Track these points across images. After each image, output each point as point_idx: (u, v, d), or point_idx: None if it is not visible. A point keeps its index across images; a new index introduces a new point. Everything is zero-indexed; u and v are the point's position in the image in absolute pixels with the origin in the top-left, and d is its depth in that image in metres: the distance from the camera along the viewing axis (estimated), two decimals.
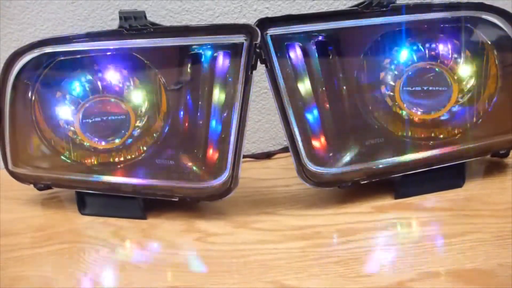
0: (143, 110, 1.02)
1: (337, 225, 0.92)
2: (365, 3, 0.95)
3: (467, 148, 0.99)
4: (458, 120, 1.01)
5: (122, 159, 1.03)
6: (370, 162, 0.98)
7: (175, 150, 1.01)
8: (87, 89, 1.01)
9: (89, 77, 1.01)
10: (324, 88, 0.99)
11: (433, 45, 0.99)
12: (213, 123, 0.98)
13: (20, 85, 0.98)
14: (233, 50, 0.94)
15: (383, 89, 1.02)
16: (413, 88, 1.00)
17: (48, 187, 1.04)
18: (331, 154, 0.99)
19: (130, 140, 1.03)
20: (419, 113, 1.01)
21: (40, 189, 1.04)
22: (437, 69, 0.99)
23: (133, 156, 1.03)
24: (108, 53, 0.99)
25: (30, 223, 1.01)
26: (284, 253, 0.86)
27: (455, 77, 0.99)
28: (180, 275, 0.84)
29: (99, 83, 1.01)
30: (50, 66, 0.98)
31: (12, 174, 1.03)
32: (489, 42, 0.97)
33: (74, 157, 1.03)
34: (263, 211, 0.99)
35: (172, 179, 0.99)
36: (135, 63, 0.99)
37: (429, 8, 0.95)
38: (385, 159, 0.98)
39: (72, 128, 1.02)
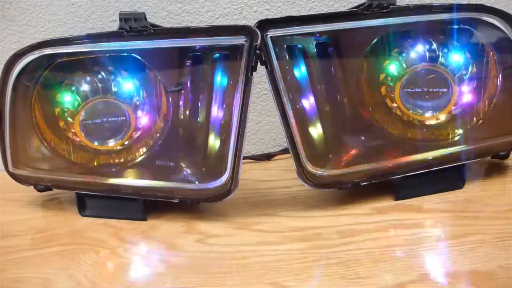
0: (143, 111, 1.02)
1: (337, 226, 0.92)
2: (365, 5, 0.96)
3: (467, 150, 0.99)
4: (458, 121, 1.01)
5: (122, 160, 1.03)
6: (370, 164, 0.98)
7: (175, 151, 1.01)
8: (87, 90, 1.01)
9: (89, 78, 1.01)
10: (324, 90, 0.99)
11: (433, 47, 0.99)
12: (213, 124, 0.98)
13: (20, 86, 0.98)
14: (233, 52, 0.94)
15: (383, 90, 1.02)
16: (413, 90, 1.00)
17: (48, 188, 1.04)
18: (331, 156, 0.99)
19: (130, 141, 1.03)
20: (419, 114, 1.02)
21: (40, 190, 1.04)
22: (437, 71, 0.99)
23: (133, 157, 1.03)
24: (108, 55, 0.99)
25: (30, 224, 1.01)
26: (284, 255, 0.86)
27: (455, 79, 0.99)
28: (180, 277, 0.84)
29: (99, 85, 1.01)
30: (50, 67, 0.98)
31: (12, 175, 1.02)
32: (489, 44, 0.97)
33: (74, 159, 1.03)
34: (263, 213, 0.99)
35: (172, 181, 0.99)
36: (135, 64, 0.99)
37: (429, 9, 0.95)
38: (385, 160, 0.98)
39: (72, 130, 1.02)
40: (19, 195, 1.09)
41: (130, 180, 1.01)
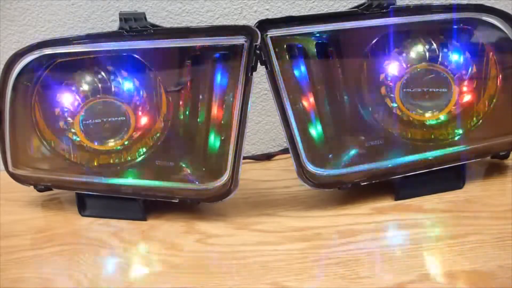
0: (143, 111, 1.02)
1: (337, 226, 0.92)
2: (365, 5, 0.96)
3: (467, 150, 0.99)
4: (458, 121, 1.01)
5: (122, 160, 1.03)
6: (370, 164, 0.98)
7: (175, 151, 1.01)
8: (87, 90, 1.01)
9: (89, 78, 1.01)
10: (324, 90, 0.99)
11: (433, 47, 0.99)
12: (213, 124, 0.98)
13: (20, 86, 0.98)
14: (233, 52, 0.94)
15: (383, 90, 1.02)
16: (413, 90, 1.00)
17: (48, 188, 1.04)
18: (331, 156, 0.99)
19: (130, 141, 1.03)
20: (419, 114, 1.02)
21: (40, 190, 1.04)
22: (437, 71, 0.99)
23: (133, 157, 1.03)
24: (108, 55, 0.99)
25: (30, 224, 1.01)
26: (284, 255, 0.86)
27: (455, 79, 0.99)
28: (180, 277, 0.84)
29: (99, 85, 1.01)
30: (50, 67, 0.98)
31: (12, 175, 1.02)
32: (489, 44, 0.97)
33: (74, 159, 1.03)
34: (263, 213, 0.99)
35: (172, 181, 0.99)
36: (135, 64, 0.99)
37: (429, 9, 0.95)
38: (385, 160, 0.98)
39: (72, 130, 1.02)
40: (19, 195, 1.09)
41: (130, 180, 1.01)
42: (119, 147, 1.03)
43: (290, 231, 0.92)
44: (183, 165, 1.01)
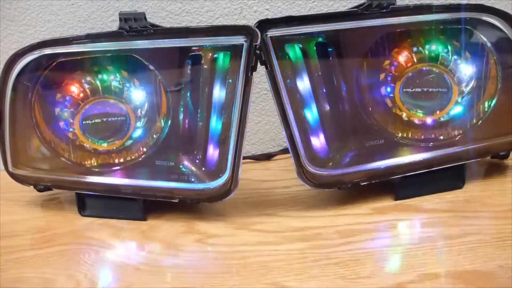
0: (143, 111, 1.02)
1: (337, 226, 0.92)
2: (365, 5, 0.96)
3: (467, 150, 0.99)
4: (458, 121, 1.01)
5: (122, 160, 1.03)
6: (370, 164, 0.98)
7: (175, 151, 1.01)
8: (87, 90, 1.01)
9: (89, 78, 1.01)
10: (324, 90, 0.99)
11: (433, 47, 0.99)
12: (213, 124, 0.98)
13: (20, 86, 0.98)
14: (233, 51, 0.94)
15: (383, 90, 1.02)
16: (413, 90, 1.00)
17: (48, 188, 1.04)
18: (331, 156, 0.99)
19: (130, 141, 1.03)
20: (419, 114, 1.02)
21: (40, 190, 1.04)
22: (437, 71, 0.99)
23: (133, 157, 1.03)
24: (108, 55, 0.99)
25: (30, 224, 1.01)
26: (284, 255, 0.86)
27: (455, 79, 0.99)
28: (180, 277, 0.84)
29: (99, 85, 1.01)
30: (50, 67, 0.98)
31: (12, 175, 1.02)
32: (489, 44, 0.97)
33: (74, 159, 1.03)
34: (263, 213, 0.99)
35: (172, 181, 0.99)
36: (135, 64, 0.99)
37: (429, 9, 0.95)
38: (385, 160, 0.98)
39: (72, 130, 1.02)
40: (19, 195, 1.09)
41: (130, 180, 1.01)
42: (119, 147, 1.03)
43: (290, 231, 0.92)
44: (183, 165, 1.00)
